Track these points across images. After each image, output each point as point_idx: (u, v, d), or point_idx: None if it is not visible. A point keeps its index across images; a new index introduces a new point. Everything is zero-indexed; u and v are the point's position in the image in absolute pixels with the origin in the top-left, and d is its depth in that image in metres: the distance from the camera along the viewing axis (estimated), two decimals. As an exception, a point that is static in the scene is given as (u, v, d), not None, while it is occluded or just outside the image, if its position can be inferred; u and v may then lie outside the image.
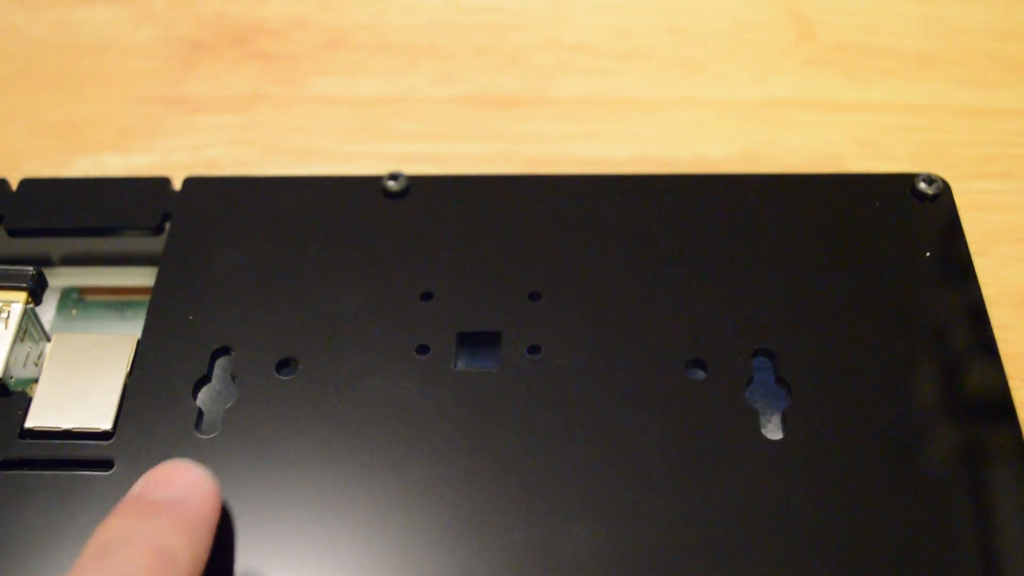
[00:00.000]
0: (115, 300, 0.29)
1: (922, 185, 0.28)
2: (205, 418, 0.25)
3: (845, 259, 0.27)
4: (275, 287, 0.27)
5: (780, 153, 0.33)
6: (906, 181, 0.28)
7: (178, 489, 0.21)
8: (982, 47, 0.36)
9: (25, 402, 0.25)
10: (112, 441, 0.25)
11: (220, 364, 0.26)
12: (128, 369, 0.26)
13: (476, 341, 0.26)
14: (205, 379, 0.26)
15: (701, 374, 0.25)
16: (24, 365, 0.27)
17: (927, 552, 0.22)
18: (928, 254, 0.27)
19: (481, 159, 0.33)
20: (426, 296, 0.27)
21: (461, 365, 0.26)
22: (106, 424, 0.25)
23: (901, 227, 0.28)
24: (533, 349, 0.26)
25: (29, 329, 0.27)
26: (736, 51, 0.36)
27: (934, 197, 0.28)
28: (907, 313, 0.26)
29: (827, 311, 0.26)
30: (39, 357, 0.27)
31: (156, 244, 0.28)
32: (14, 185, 0.29)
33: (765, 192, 0.28)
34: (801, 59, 0.36)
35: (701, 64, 0.36)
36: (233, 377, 0.26)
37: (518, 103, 0.35)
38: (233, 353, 0.26)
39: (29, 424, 0.25)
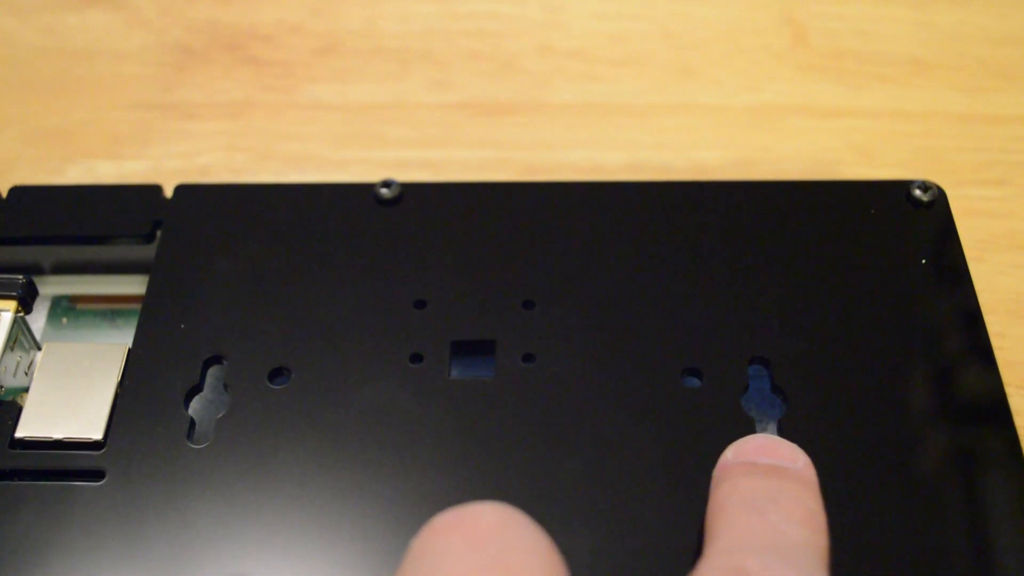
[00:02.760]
0: (106, 308, 0.29)
1: (917, 192, 0.28)
2: (197, 428, 0.25)
3: (841, 266, 0.27)
4: (267, 295, 0.27)
5: (775, 159, 0.33)
6: (901, 188, 0.28)
7: (786, 459, 0.21)
8: (977, 53, 0.36)
9: (15, 412, 0.25)
10: (103, 451, 0.24)
11: (212, 373, 0.26)
12: (119, 378, 0.25)
13: (470, 349, 0.26)
14: (197, 388, 0.25)
15: (697, 382, 0.25)
16: (14, 374, 0.26)
17: (924, 562, 0.22)
18: (924, 261, 0.27)
19: (475, 166, 0.33)
20: (419, 304, 0.26)
21: (455, 374, 0.26)
22: (97, 434, 0.24)
23: (897, 234, 0.27)
24: (528, 357, 0.25)
25: (19, 338, 0.27)
26: (730, 57, 0.36)
27: (929, 204, 0.28)
28: (903, 320, 0.26)
29: (823, 319, 0.26)
30: (29, 366, 0.27)
31: (147, 252, 0.28)
32: (4, 192, 0.29)
33: (761, 199, 0.28)
34: (796, 65, 0.36)
35: (696, 70, 0.36)
36: (225, 386, 0.25)
37: (512, 109, 0.35)
38: (225, 362, 0.26)
39: (19, 434, 0.25)
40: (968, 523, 0.23)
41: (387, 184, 0.28)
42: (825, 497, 0.23)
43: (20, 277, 0.27)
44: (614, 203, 0.28)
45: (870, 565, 0.22)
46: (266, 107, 0.35)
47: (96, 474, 0.24)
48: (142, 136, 0.34)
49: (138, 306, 0.27)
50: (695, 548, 0.22)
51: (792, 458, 0.22)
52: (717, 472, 0.22)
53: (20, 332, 0.27)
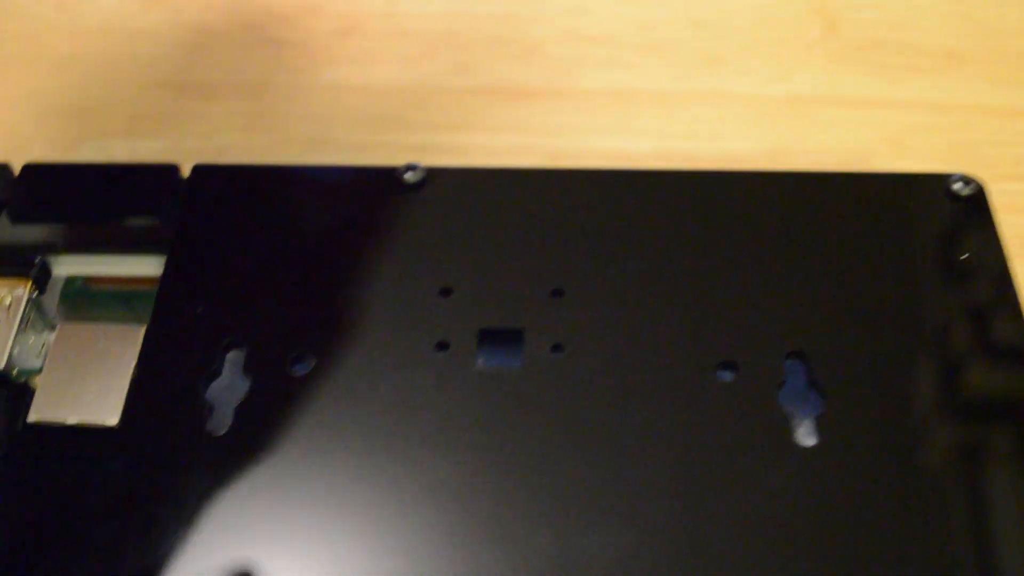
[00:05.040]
0: (121, 290, 0.28)
1: (957, 186, 0.27)
2: (215, 414, 0.24)
3: (878, 260, 0.26)
4: (288, 280, 0.26)
5: (806, 150, 0.32)
6: (940, 181, 0.27)
7: None
8: (1015, 46, 0.35)
9: (28, 395, 0.24)
10: (118, 436, 0.24)
11: (231, 358, 0.25)
12: (136, 362, 0.25)
13: (498, 339, 0.25)
14: (215, 373, 0.25)
15: (731, 376, 0.24)
16: (28, 356, 0.26)
17: (972, 564, 0.21)
18: (963, 257, 0.26)
19: (499, 151, 0.32)
20: (445, 292, 0.26)
21: (482, 363, 0.25)
22: (112, 419, 0.24)
23: (935, 229, 0.27)
24: (557, 348, 0.25)
25: (33, 318, 0.26)
26: (760, 46, 0.35)
27: (969, 198, 0.27)
28: (942, 317, 0.25)
29: (860, 313, 0.25)
30: (43, 348, 0.26)
31: (164, 233, 0.27)
32: (17, 170, 0.28)
33: (796, 190, 0.27)
34: (826, 55, 0.35)
35: (724, 58, 0.35)
36: (244, 372, 0.25)
37: (537, 95, 0.34)
38: (244, 347, 0.25)
39: (32, 418, 0.24)
40: (1019, 521, 0.22)
41: (411, 168, 0.28)
42: (864, 498, 0.22)
43: (34, 256, 0.26)
44: (647, 191, 0.27)
45: (912, 567, 0.21)
46: (285, 88, 0.34)
47: (111, 460, 0.23)
48: (158, 115, 0.34)
49: (153, 288, 0.26)
50: (729, 548, 0.22)
51: None
52: None
53: (33, 312, 0.26)
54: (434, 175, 0.28)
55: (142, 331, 0.25)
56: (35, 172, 0.28)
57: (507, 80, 0.34)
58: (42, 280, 0.27)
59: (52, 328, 0.27)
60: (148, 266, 0.28)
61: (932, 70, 0.34)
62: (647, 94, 0.34)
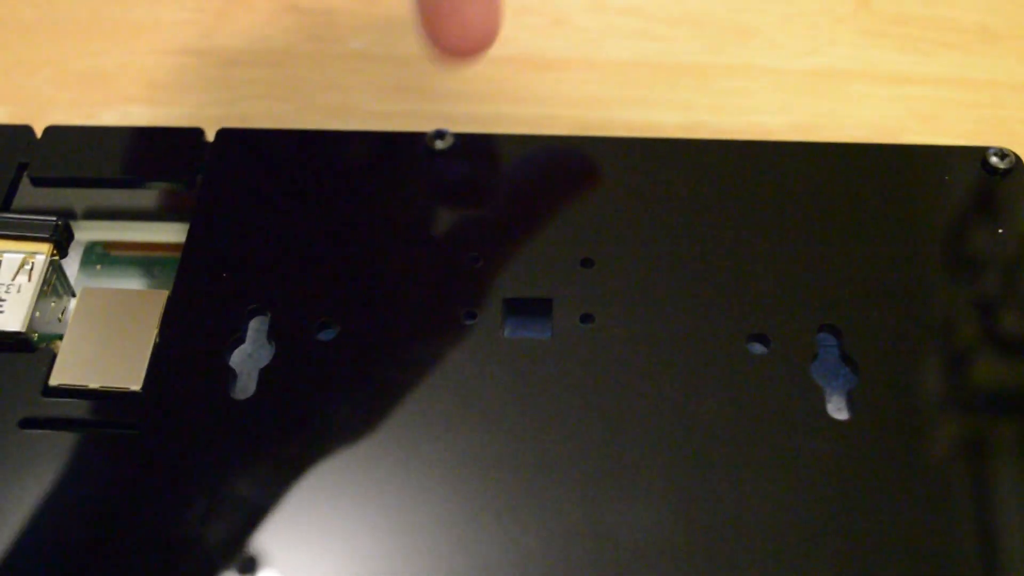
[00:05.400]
0: (142, 256, 0.28)
1: (994, 159, 0.27)
2: (239, 379, 0.24)
3: (913, 233, 0.26)
4: (314, 245, 0.26)
5: (837, 125, 0.32)
6: (977, 154, 0.27)
7: None
8: (1048, 22, 0.34)
9: (49, 358, 0.24)
10: (141, 401, 0.23)
11: (255, 324, 0.25)
12: (159, 326, 0.24)
13: (526, 308, 0.25)
14: (239, 339, 0.24)
15: (763, 349, 0.24)
16: (48, 321, 0.25)
17: (1007, 534, 0.21)
18: (1000, 231, 0.26)
19: (524, 122, 0.32)
20: (473, 260, 0.25)
21: (509, 333, 0.24)
22: (136, 384, 0.23)
23: (972, 202, 0.26)
24: (586, 318, 0.24)
25: (54, 283, 0.26)
26: (791, 19, 0.35)
27: (1007, 172, 0.27)
28: (978, 292, 0.25)
29: (895, 287, 0.25)
30: (63, 313, 0.26)
31: (187, 198, 0.27)
32: (39, 132, 0.28)
33: (831, 161, 0.27)
34: (858, 29, 0.34)
35: (755, 31, 0.34)
36: (268, 338, 0.24)
37: (563, 66, 0.33)
38: (269, 313, 0.25)
39: (53, 381, 0.24)
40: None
41: (440, 135, 0.27)
42: (898, 473, 0.22)
43: (55, 219, 0.26)
44: (678, 160, 0.27)
45: (942, 541, 0.21)
46: (308, 57, 0.34)
47: (133, 425, 0.23)
48: (179, 82, 0.33)
49: (175, 254, 0.26)
50: (762, 522, 0.21)
51: None
52: None
53: (55, 276, 0.26)
54: (463, 142, 0.27)
55: (165, 296, 0.25)
56: (57, 134, 0.28)
57: (533, 50, 0.34)
58: (63, 244, 0.26)
59: (72, 294, 0.27)
60: (170, 232, 0.28)
61: (964, 46, 0.34)
62: (675, 66, 0.33)
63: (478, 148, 0.27)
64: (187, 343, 0.24)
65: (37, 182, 0.27)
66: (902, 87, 0.33)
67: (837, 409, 0.23)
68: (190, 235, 0.26)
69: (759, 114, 0.32)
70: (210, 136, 0.28)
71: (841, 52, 0.34)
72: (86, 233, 0.28)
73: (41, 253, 0.26)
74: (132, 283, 0.28)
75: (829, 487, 0.22)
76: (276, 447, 0.23)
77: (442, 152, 0.27)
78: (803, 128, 0.32)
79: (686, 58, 0.34)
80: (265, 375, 0.24)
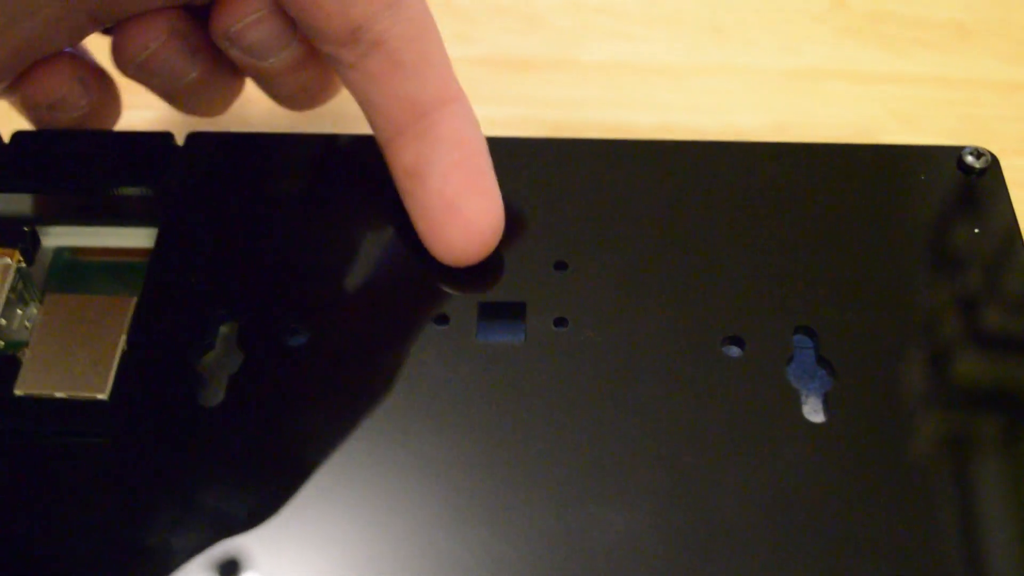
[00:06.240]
0: (111, 262, 0.28)
1: (969, 159, 0.27)
2: (207, 386, 0.24)
3: (889, 234, 0.25)
4: (284, 250, 0.25)
5: (813, 124, 0.32)
6: (952, 153, 0.27)
7: None
8: (1022, 21, 0.34)
9: (15, 367, 0.24)
10: (108, 410, 0.23)
11: (224, 330, 0.24)
12: (126, 333, 0.24)
13: (499, 312, 0.24)
14: (208, 345, 0.24)
15: (738, 351, 0.24)
16: (14, 329, 0.25)
17: (985, 535, 0.21)
18: (976, 231, 0.25)
19: (500, 123, 0.32)
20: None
21: (483, 337, 0.24)
22: (102, 393, 0.23)
23: (948, 202, 0.26)
24: (560, 322, 0.24)
25: (21, 290, 0.25)
26: (766, 18, 0.35)
27: (982, 171, 0.26)
28: (955, 292, 0.24)
29: (871, 288, 0.24)
30: (30, 321, 0.25)
31: (157, 203, 0.27)
32: (6, 137, 0.28)
33: (807, 162, 0.27)
34: (834, 28, 0.34)
35: (730, 31, 0.34)
36: (238, 344, 0.24)
37: (539, 66, 0.33)
38: (238, 319, 0.24)
39: (18, 391, 0.23)
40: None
41: (411, 137, 0.27)
42: (874, 476, 0.22)
43: (23, 226, 0.25)
44: (652, 162, 0.27)
45: (916, 545, 0.21)
46: (281, 58, 0.33)
47: (101, 433, 0.23)
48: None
49: (145, 260, 0.26)
50: (737, 525, 0.21)
51: None
52: None
53: (22, 284, 0.25)
54: (434, 145, 0.27)
55: (133, 302, 0.24)
56: (25, 139, 0.27)
57: (508, 50, 0.33)
58: (30, 251, 0.26)
59: (40, 301, 0.26)
60: (139, 238, 0.28)
61: (940, 44, 0.34)
62: (651, 67, 0.33)
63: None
64: (155, 350, 0.24)
65: (4, 187, 0.27)
66: (879, 86, 0.33)
67: (813, 411, 0.23)
68: (159, 241, 0.26)
69: (735, 114, 0.32)
70: (180, 140, 0.28)
71: (817, 51, 0.34)
72: (54, 239, 0.28)
73: (7, 260, 0.25)
74: (101, 289, 0.27)
75: (805, 490, 0.22)
76: (246, 454, 0.22)
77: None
78: (779, 128, 0.31)
79: (662, 58, 0.33)
80: (234, 382, 0.23)
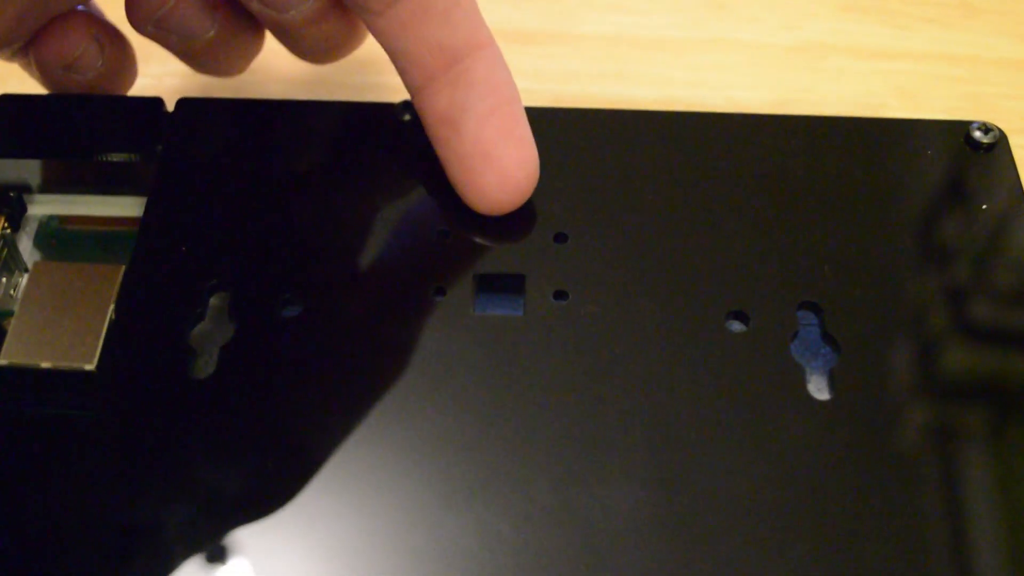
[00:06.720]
0: (100, 231, 0.27)
1: (977, 134, 0.26)
2: (198, 357, 0.23)
3: (896, 209, 0.25)
4: (277, 219, 0.25)
5: (815, 100, 0.31)
6: (960, 128, 0.26)
7: None
8: (1029, -3, 0.34)
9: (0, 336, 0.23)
10: (95, 381, 0.22)
11: (215, 300, 0.24)
12: (114, 303, 0.23)
13: (498, 285, 0.24)
14: (199, 316, 0.23)
15: (742, 327, 0.23)
16: (1, 297, 0.24)
17: (986, 513, 0.21)
18: (984, 206, 0.25)
19: (497, 96, 0.31)
20: (443, 234, 0.24)
21: (480, 309, 0.24)
22: (89, 363, 0.22)
23: (955, 177, 0.26)
24: (559, 295, 0.23)
25: (6, 257, 0.25)
26: (769, -8, 0.34)
27: (990, 147, 0.26)
28: (962, 268, 0.24)
29: (877, 264, 0.24)
30: (16, 289, 0.25)
31: (146, 170, 0.26)
32: (-9, 102, 0.27)
33: (813, 135, 0.26)
34: (837, 3, 0.34)
35: (731, 5, 0.34)
36: (229, 315, 0.23)
37: (539, 40, 0.32)
38: (230, 288, 0.24)
39: (2, 360, 0.23)
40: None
41: (408, 106, 0.26)
42: (879, 453, 0.21)
43: (8, 192, 0.25)
44: (655, 133, 0.26)
45: (920, 523, 0.20)
46: (274, 27, 0.33)
47: (87, 405, 0.22)
48: (139, 51, 0.32)
49: (134, 229, 0.25)
50: (741, 503, 0.21)
51: None
52: None
53: (7, 251, 0.25)
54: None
55: (121, 271, 0.24)
56: (12, 103, 0.27)
57: (507, 23, 0.33)
58: (15, 218, 0.25)
59: (26, 270, 0.26)
60: (127, 207, 0.27)
61: (944, 20, 0.33)
62: (650, 40, 0.33)
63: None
64: (144, 320, 0.23)
65: (-11, 152, 0.26)
66: (882, 62, 0.32)
67: (817, 389, 0.23)
68: (148, 208, 0.25)
69: (737, 89, 0.31)
70: (170, 106, 0.27)
71: (820, 26, 0.33)
72: (41, 207, 0.27)
73: (-8, 227, 0.25)
74: (89, 258, 0.26)
75: (809, 467, 0.21)
76: (237, 428, 0.22)
77: (411, 124, 0.26)
78: (781, 103, 0.31)
79: (661, 32, 0.33)
80: (226, 353, 0.23)
